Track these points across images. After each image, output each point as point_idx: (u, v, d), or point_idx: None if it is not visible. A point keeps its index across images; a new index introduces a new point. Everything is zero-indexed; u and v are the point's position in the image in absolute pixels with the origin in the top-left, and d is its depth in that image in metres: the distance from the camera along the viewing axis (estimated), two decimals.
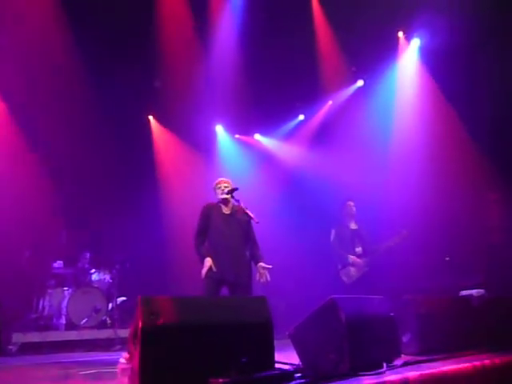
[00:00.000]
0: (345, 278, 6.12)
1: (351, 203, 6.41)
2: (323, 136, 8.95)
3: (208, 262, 4.53)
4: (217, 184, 4.91)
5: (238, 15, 7.67)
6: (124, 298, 7.29)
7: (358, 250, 6.23)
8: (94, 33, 7.06)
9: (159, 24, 7.49)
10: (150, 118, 9.38)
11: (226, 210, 4.81)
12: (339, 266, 6.20)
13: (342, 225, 6.39)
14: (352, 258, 6.14)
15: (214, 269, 4.50)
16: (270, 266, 4.66)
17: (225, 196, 4.75)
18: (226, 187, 4.81)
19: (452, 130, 7.31)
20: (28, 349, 6.02)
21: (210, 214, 4.77)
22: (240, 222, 4.74)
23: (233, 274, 4.56)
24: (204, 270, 4.52)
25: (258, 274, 4.67)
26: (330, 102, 9.21)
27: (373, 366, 3.39)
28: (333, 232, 6.36)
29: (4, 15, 6.57)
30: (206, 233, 4.74)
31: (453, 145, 7.34)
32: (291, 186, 9.03)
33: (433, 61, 7.64)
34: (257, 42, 7.77)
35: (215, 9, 7.66)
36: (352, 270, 6.13)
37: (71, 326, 6.55)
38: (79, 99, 7.72)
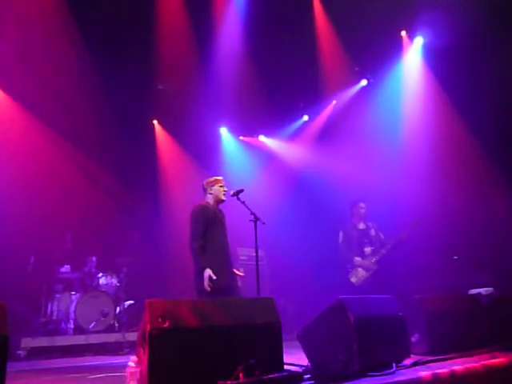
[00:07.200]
0: (354, 279, 6.11)
1: (362, 204, 6.37)
2: (328, 136, 8.94)
3: (208, 272, 4.17)
4: (216, 181, 4.64)
5: (241, 16, 7.68)
6: (131, 302, 7.29)
7: (367, 250, 6.19)
8: (98, 34, 7.08)
9: (162, 26, 7.50)
10: (155, 122, 9.38)
11: (219, 213, 4.63)
12: (348, 267, 6.19)
13: (350, 226, 6.36)
14: (358, 259, 6.13)
15: (214, 277, 4.16)
16: (242, 274, 4.60)
17: (223, 197, 4.59)
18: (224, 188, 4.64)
19: (456, 128, 7.28)
20: (37, 353, 6.04)
21: (208, 216, 4.47)
22: (225, 225, 4.63)
23: (231, 278, 4.48)
24: (206, 283, 4.15)
25: None
26: (334, 102, 9.20)
27: (382, 366, 3.38)
28: (341, 234, 6.33)
29: (6, 17, 6.58)
30: (205, 237, 4.39)
31: (457, 142, 7.31)
32: (297, 187, 9.02)
33: (436, 59, 7.61)
34: (260, 42, 7.78)
35: (218, 10, 7.67)
36: (360, 270, 6.11)
37: (79, 330, 6.56)
38: (83, 102, 7.74)
